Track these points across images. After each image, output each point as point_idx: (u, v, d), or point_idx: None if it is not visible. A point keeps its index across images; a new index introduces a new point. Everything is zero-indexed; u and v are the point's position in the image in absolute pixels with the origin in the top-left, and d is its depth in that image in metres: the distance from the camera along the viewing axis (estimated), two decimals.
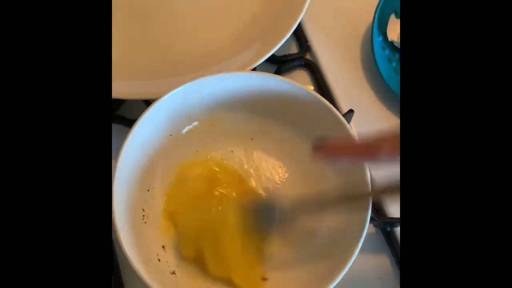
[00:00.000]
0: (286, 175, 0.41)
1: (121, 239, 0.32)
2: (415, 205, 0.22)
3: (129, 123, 0.45)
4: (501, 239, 0.20)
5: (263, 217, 0.37)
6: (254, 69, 0.44)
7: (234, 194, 0.39)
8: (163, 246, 0.37)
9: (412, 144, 0.22)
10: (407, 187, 0.22)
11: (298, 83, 0.38)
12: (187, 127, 0.41)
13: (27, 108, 0.22)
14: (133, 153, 0.37)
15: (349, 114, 0.43)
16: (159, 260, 0.36)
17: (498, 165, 0.20)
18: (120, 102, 0.46)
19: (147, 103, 0.45)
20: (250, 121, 0.41)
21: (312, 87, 0.49)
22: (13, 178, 0.22)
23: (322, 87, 0.48)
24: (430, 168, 0.22)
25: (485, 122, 0.21)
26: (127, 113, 0.46)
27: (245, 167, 0.41)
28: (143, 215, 0.37)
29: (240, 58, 0.44)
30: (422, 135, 0.22)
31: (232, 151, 0.42)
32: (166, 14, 0.49)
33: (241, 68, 0.42)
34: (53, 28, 0.23)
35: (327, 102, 0.38)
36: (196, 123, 0.41)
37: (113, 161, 0.34)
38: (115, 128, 0.45)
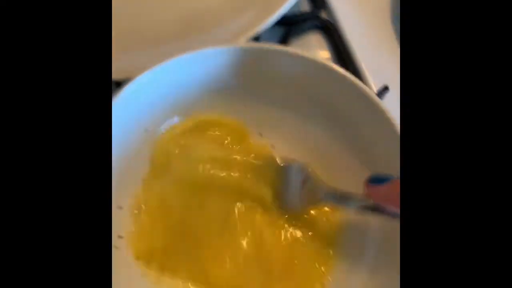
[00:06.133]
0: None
1: None
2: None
3: None
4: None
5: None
6: (257, 37, 0.35)
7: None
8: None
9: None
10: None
11: (311, 55, 0.29)
12: (166, 121, 0.32)
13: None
14: None
15: (382, 92, 0.34)
16: None
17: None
18: None
19: (118, 84, 0.36)
20: (255, 112, 0.33)
21: (328, 55, 0.41)
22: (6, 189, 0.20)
23: (343, 55, 0.40)
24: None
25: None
26: None
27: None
28: (114, 245, 0.29)
29: (237, 22, 0.36)
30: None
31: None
32: None
33: (240, 35, 0.34)
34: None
35: (351, 76, 0.29)
36: (179, 117, 0.33)
37: None
38: None
